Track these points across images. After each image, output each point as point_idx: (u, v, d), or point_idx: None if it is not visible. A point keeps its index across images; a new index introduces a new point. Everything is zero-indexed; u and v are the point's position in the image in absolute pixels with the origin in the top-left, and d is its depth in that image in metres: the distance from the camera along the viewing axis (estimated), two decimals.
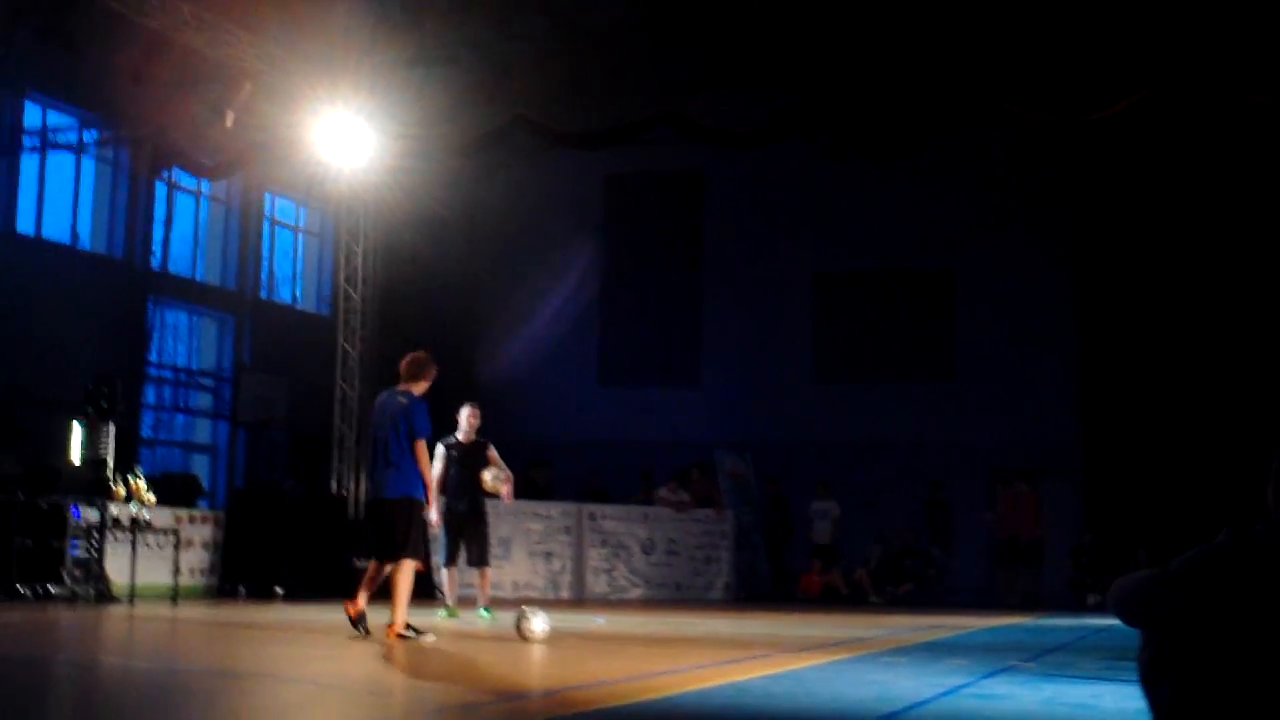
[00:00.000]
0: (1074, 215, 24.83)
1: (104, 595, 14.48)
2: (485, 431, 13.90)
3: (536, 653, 9.83)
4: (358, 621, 10.30)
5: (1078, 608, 19.54)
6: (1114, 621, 4.30)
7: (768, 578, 22.31)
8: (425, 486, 10.56)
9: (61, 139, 20.85)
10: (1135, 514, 21.94)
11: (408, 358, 10.83)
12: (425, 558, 11.14)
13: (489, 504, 13.91)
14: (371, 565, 10.58)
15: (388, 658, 9.41)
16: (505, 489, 13.46)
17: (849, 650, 10.57)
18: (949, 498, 22.68)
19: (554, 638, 10.35)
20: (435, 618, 12.74)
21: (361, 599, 10.35)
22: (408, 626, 10.19)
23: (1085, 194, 24.61)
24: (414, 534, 10.43)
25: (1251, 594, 3.85)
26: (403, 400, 10.56)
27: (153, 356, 22.28)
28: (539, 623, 10.26)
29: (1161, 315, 23.30)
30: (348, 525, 19.07)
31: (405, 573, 10.35)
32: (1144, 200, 23.55)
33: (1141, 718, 4.27)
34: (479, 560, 13.77)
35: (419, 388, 10.67)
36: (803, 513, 22.34)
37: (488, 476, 13.32)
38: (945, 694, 7.26)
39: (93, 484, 15.20)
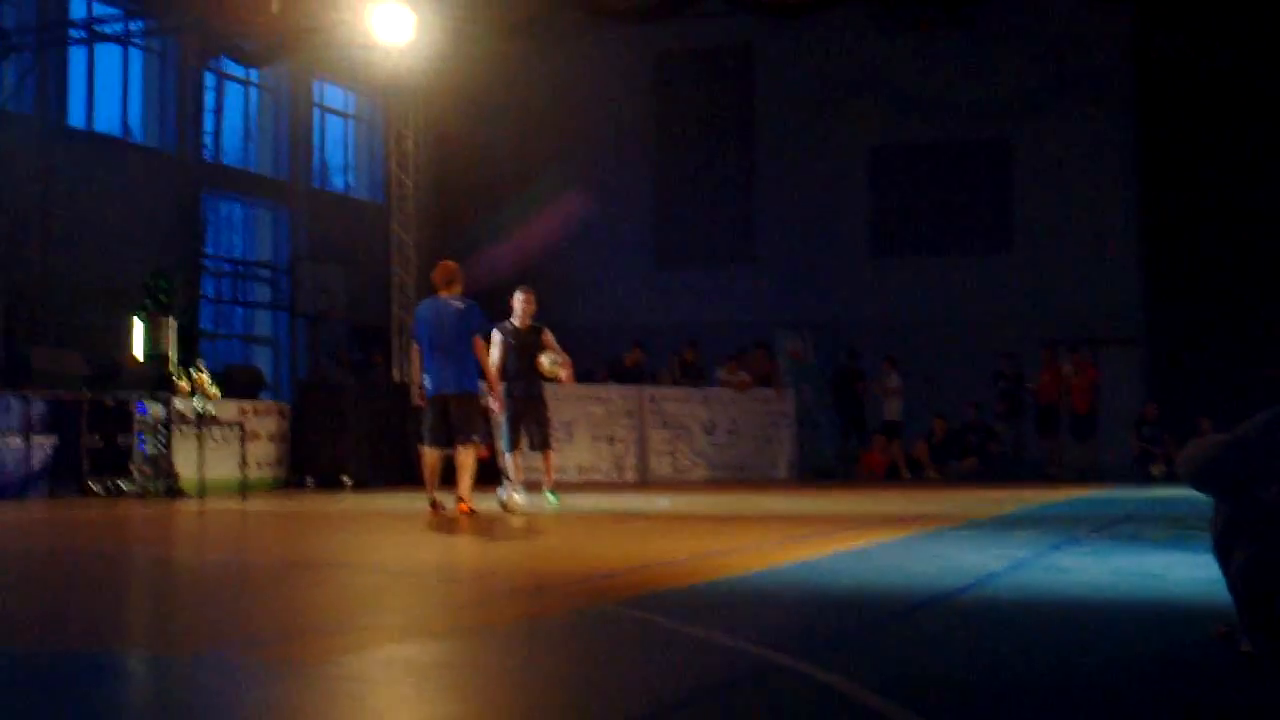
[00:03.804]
0: (1135, 80, 24.29)
1: (173, 490, 14.68)
2: (541, 316, 13.84)
3: (604, 535, 9.92)
4: (437, 505, 11.58)
5: (1142, 479, 19.44)
6: (1181, 491, 4.26)
7: (832, 456, 22.30)
8: (488, 379, 12.11)
9: (108, 30, 20.76)
10: (1199, 383, 21.64)
11: (441, 268, 12.01)
12: (489, 444, 11.63)
13: (548, 388, 13.91)
14: (433, 456, 11.79)
15: (457, 545, 9.51)
16: (564, 373, 13.49)
17: (912, 526, 10.57)
18: (1020, 370, 22.04)
19: (621, 519, 10.48)
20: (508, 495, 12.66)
21: (434, 491, 11.69)
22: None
23: (1147, 58, 24.02)
24: (475, 422, 11.84)
25: None
26: (458, 304, 11.76)
27: (209, 249, 22.37)
28: (519, 497, 11.92)
29: (1225, 180, 22.81)
30: (411, 412, 19.16)
31: (470, 456, 11.66)
32: (1208, 61, 22.97)
33: (1213, 586, 4.24)
34: (541, 444, 13.78)
35: (456, 291, 11.85)
36: (873, 389, 22.10)
37: (545, 361, 13.31)
38: (1012, 567, 7.25)
39: (156, 379, 15.35)
